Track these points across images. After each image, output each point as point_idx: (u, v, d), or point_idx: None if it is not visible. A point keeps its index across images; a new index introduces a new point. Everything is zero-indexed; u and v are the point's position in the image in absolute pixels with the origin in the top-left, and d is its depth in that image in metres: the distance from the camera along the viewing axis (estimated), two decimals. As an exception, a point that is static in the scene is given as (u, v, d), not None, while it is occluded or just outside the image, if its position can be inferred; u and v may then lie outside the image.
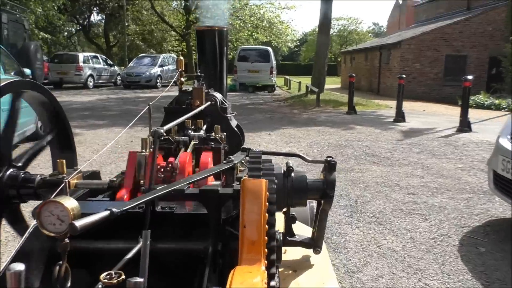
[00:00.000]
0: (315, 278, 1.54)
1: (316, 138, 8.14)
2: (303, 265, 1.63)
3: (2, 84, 1.31)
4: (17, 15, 9.11)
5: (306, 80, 21.22)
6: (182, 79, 2.32)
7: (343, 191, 4.66)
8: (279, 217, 1.44)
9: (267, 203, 1.07)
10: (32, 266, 1.06)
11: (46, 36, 27.62)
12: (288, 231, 1.54)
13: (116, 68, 25.27)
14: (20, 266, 0.73)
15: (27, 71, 6.95)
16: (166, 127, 1.24)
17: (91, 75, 22.09)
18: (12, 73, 6.56)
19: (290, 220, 1.52)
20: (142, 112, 1.59)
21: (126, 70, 23.61)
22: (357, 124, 10.09)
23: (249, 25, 30.04)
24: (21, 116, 1.56)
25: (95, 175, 1.55)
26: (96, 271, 0.87)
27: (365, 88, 24.26)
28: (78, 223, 0.74)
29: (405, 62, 20.05)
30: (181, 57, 2.36)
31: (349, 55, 30.94)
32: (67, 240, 0.81)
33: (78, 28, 37.31)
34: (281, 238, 1.32)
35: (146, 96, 18.04)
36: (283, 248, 1.44)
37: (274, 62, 22.27)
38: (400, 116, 10.59)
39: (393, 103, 13.07)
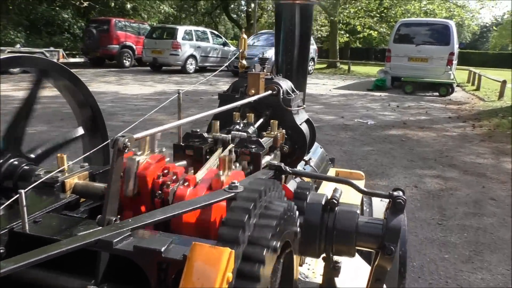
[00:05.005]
0: None
1: None
2: None
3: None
4: None
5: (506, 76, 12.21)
6: (244, 62, 1.95)
7: None
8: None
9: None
10: None
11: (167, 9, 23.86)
12: (328, 285, 1.18)
13: (231, 48, 19.78)
14: None
15: None
16: (139, 135, 0.91)
17: (192, 56, 16.97)
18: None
19: (330, 271, 1.13)
20: (168, 101, 1.45)
21: (235, 50, 17.82)
22: None
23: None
24: None
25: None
26: None
27: None
28: None
29: None
30: (244, 36, 1.96)
31: None
32: None
33: (217, 4, 33.23)
34: None
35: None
36: None
37: (456, 45, 13.66)
38: None
39: None
